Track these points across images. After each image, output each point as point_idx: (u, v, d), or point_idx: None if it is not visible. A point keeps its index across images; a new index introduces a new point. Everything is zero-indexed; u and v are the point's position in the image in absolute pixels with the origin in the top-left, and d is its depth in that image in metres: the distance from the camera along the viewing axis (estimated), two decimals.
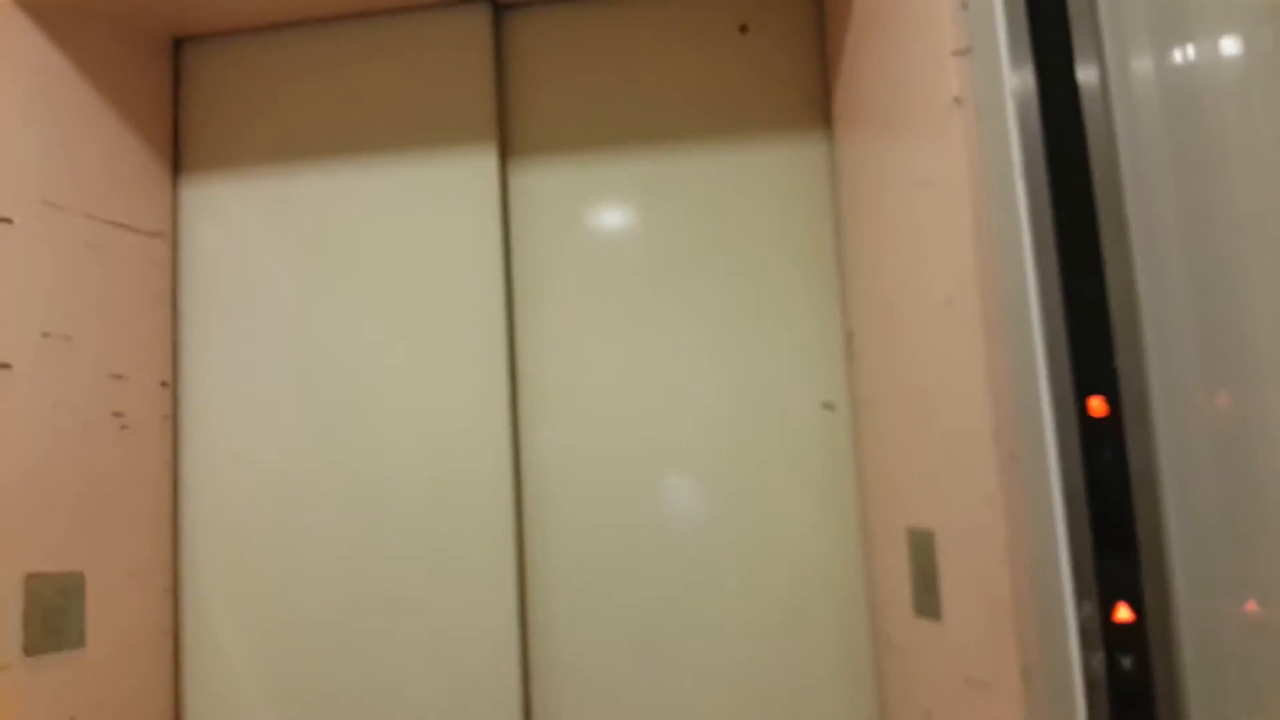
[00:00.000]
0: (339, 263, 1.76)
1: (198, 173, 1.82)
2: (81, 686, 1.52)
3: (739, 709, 1.61)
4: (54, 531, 1.51)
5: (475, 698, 1.63)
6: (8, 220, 1.48)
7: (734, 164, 1.71)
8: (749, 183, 1.70)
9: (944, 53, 1.05)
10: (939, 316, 1.14)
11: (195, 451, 1.76)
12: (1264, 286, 0.78)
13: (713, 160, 1.71)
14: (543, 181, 1.75)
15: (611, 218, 1.74)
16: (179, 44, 1.85)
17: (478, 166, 1.73)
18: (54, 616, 1.49)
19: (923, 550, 1.25)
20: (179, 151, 1.83)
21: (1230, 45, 0.80)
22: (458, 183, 1.74)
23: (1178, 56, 0.88)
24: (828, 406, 1.65)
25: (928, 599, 1.24)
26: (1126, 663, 0.93)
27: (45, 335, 1.52)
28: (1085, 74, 0.99)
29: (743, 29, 1.72)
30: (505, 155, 1.76)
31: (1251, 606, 0.83)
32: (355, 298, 1.75)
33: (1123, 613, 0.94)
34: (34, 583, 1.46)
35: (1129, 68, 0.96)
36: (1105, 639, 0.94)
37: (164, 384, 1.75)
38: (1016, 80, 1.00)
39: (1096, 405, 0.96)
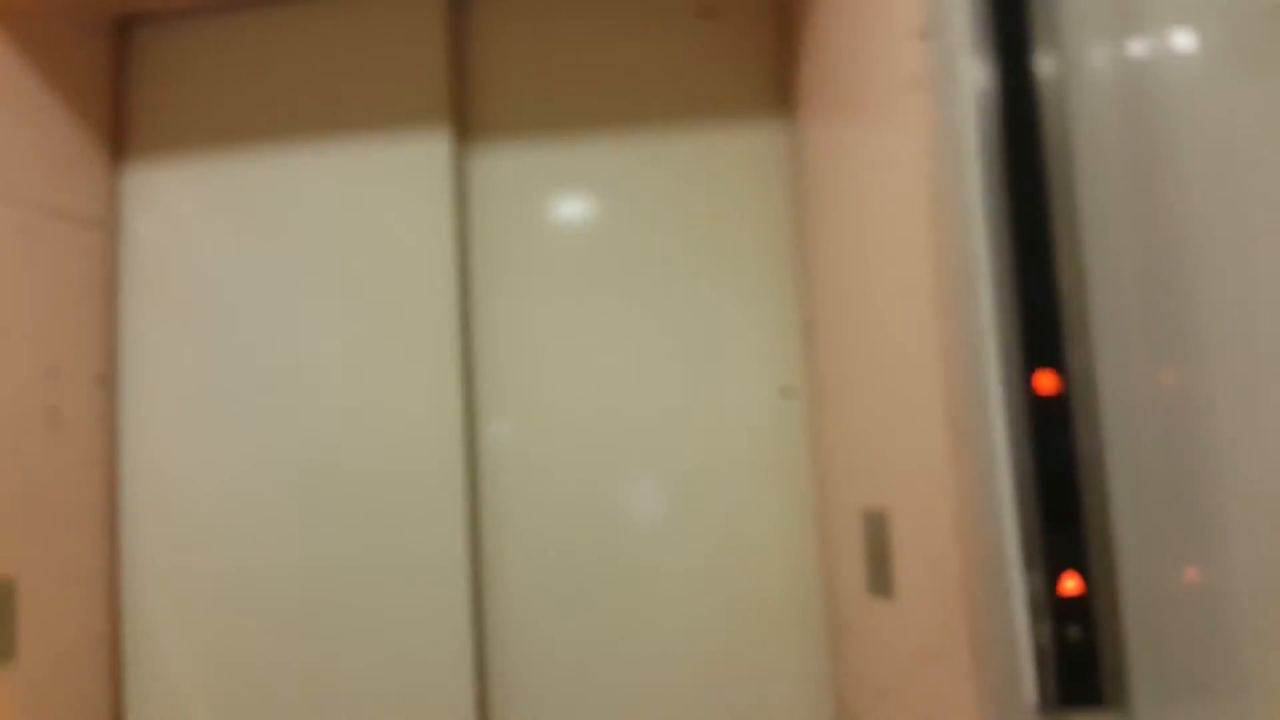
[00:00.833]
0: (287, 251, 1.72)
1: (141, 158, 1.77)
2: (12, 701, 1.45)
3: (700, 695, 1.62)
4: None
5: (429, 698, 1.62)
6: None
7: (695, 149, 1.72)
8: (710, 168, 1.71)
9: (903, 35, 1.07)
10: (894, 299, 1.16)
11: (136, 448, 1.71)
12: (1209, 269, 0.80)
13: (673, 145, 1.72)
14: (502, 166, 1.75)
15: (571, 203, 1.74)
16: (122, 25, 1.79)
17: (430, 150, 1.71)
18: None
19: (876, 530, 1.27)
20: (121, 136, 1.78)
21: (1185, 38, 0.82)
22: (409, 167, 1.72)
23: (1134, 46, 0.91)
24: (786, 393, 1.66)
25: (881, 578, 1.26)
26: (1073, 633, 0.96)
27: None
28: (1043, 60, 1.01)
29: (705, 12, 1.73)
30: (465, 139, 1.75)
31: (1192, 575, 0.85)
32: (304, 288, 1.72)
33: (1069, 584, 0.97)
34: None
35: (1086, 56, 0.98)
36: (1052, 610, 0.96)
37: (102, 378, 1.70)
38: (974, 65, 1.02)
39: (1045, 384, 0.98)
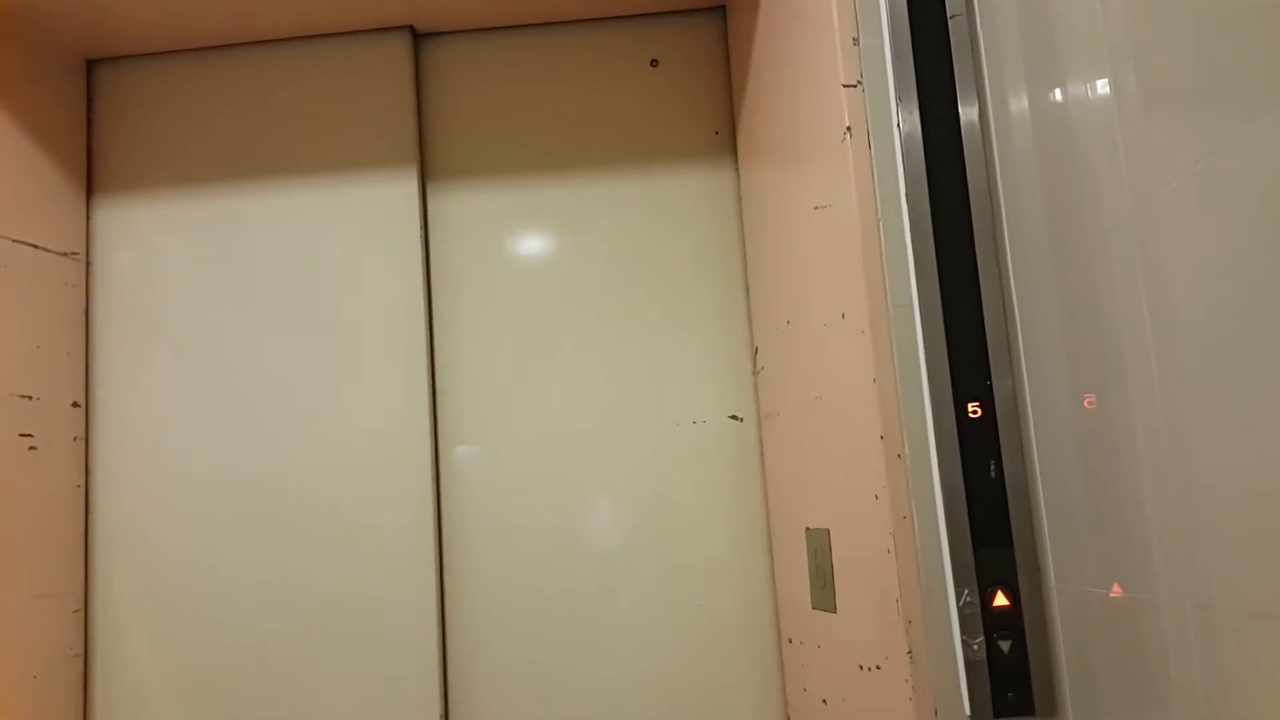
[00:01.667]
0: (257, 285, 1.76)
1: (112, 194, 1.80)
2: None
3: (656, 710, 1.66)
4: None
5: (395, 718, 1.64)
6: None
7: (647, 190, 1.78)
8: (661, 209, 1.78)
9: (837, 85, 1.13)
10: (833, 330, 1.22)
11: (108, 473, 1.73)
12: (1124, 300, 0.86)
13: (626, 186, 1.78)
14: (462, 206, 1.80)
15: (529, 241, 1.79)
16: (92, 65, 1.83)
17: (399, 190, 1.76)
18: None
19: (820, 548, 1.32)
20: (93, 173, 1.81)
21: (1097, 85, 0.88)
22: (379, 206, 1.76)
23: (1050, 94, 0.97)
24: (735, 419, 1.72)
25: (824, 594, 1.31)
26: (1005, 645, 1.01)
27: None
28: (966, 107, 1.08)
29: (654, 63, 1.81)
30: (425, 179, 1.80)
31: (1117, 590, 0.90)
32: (274, 320, 1.75)
33: (1000, 599, 1.02)
34: None
35: (1006, 103, 1.05)
36: (985, 624, 1.02)
37: (75, 405, 1.72)
38: (903, 114, 1.09)
39: (974, 408, 1.04)
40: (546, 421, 1.74)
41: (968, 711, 1.01)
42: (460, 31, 1.83)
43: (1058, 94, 0.95)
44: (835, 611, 1.27)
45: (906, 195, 1.08)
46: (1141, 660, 0.87)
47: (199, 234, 1.78)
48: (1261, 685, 0.70)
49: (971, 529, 1.03)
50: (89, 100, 1.83)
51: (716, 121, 1.80)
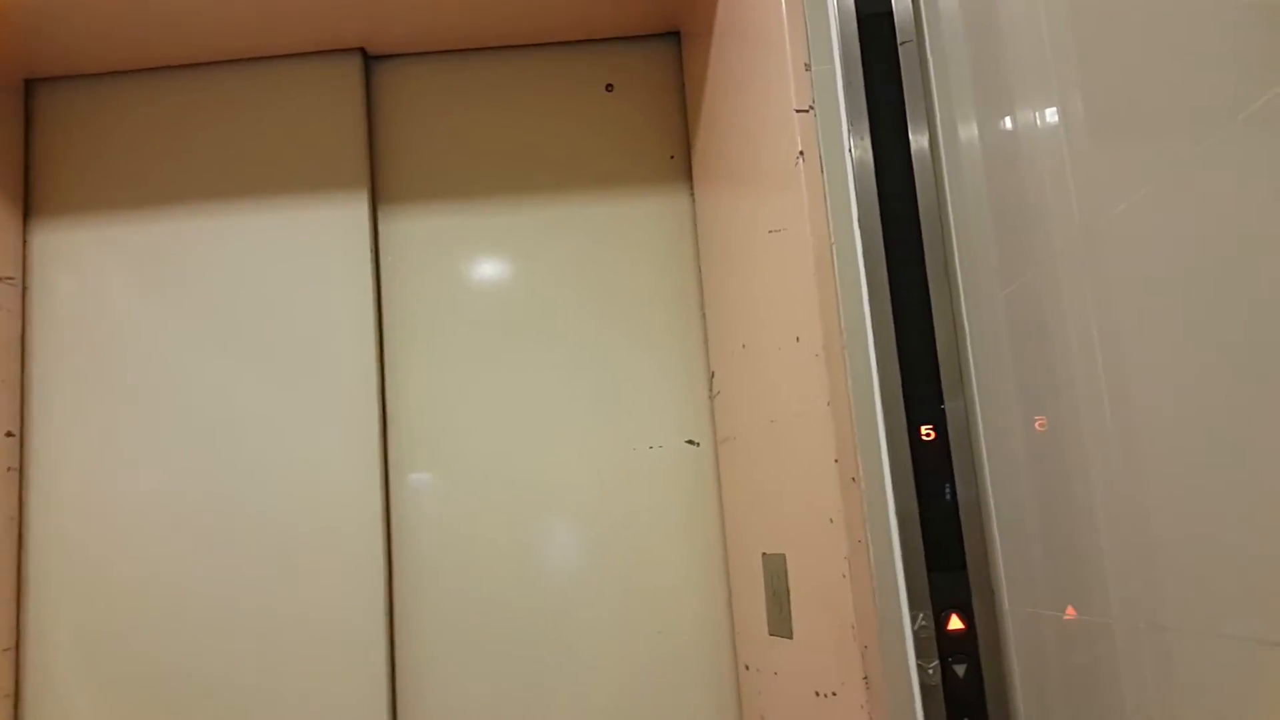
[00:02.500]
0: (203, 310, 1.72)
1: (51, 217, 1.76)
2: None
3: None
4: None
5: None
6: None
7: (602, 214, 1.78)
8: (617, 232, 1.77)
9: (789, 110, 1.14)
10: (787, 354, 1.22)
11: (45, 505, 1.68)
12: (1074, 323, 0.87)
13: (581, 211, 1.78)
14: (414, 229, 1.78)
15: (482, 265, 1.78)
16: (31, 85, 1.79)
17: (349, 214, 1.74)
18: None
19: (776, 573, 1.32)
20: (30, 196, 1.76)
21: (1045, 111, 0.89)
22: (328, 230, 1.74)
23: (999, 119, 0.98)
24: (691, 443, 1.72)
25: (780, 619, 1.30)
26: (960, 669, 1.02)
27: None
28: (917, 133, 1.09)
29: (609, 87, 1.81)
30: (376, 203, 1.78)
31: (1071, 612, 0.91)
32: (220, 346, 1.71)
33: (954, 623, 1.02)
34: None
35: (956, 128, 1.07)
36: (940, 647, 1.02)
37: (9, 435, 1.66)
38: (854, 140, 1.10)
39: (927, 431, 1.05)
40: (500, 446, 1.72)
41: None
42: (412, 54, 1.83)
43: (1007, 119, 0.96)
44: (792, 638, 1.27)
45: (859, 219, 1.09)
46: (1096, 682, 0.87)
47: (143, 258, 1.74)
48: (1215, 706, 0.71)
49: (926, 552, 1.03)
50: (27, 121, 1.78)
51: (671, 146, 1.80)
